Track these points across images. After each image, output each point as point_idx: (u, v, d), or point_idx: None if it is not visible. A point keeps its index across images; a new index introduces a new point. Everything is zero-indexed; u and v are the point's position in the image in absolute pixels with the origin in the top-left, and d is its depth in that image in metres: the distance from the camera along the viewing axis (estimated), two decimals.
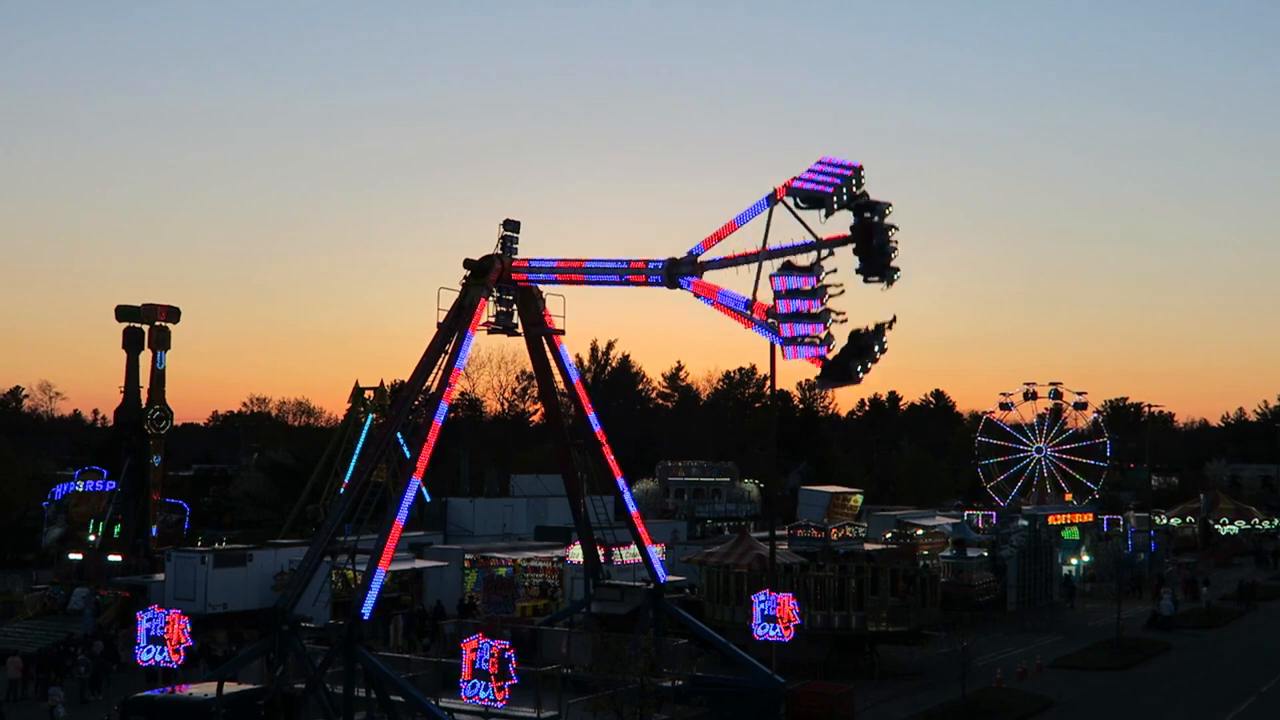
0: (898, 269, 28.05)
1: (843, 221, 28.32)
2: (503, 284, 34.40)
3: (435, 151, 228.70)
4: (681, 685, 35.09)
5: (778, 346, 28.38)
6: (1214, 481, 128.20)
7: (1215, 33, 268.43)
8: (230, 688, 31.22)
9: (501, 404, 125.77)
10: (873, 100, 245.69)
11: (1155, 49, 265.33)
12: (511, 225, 34.63)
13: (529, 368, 54.50)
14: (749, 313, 28.98)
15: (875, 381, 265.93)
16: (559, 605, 51.82)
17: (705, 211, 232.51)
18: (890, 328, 28.05)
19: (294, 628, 31.46)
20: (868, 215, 27.73)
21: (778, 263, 28.12)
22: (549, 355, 36.69)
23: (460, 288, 33.94)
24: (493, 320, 35.00)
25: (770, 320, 27.37)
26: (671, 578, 40.76)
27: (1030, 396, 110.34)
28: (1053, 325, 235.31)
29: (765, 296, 28.16)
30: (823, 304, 26.63)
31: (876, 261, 27.80)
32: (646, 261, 30.69)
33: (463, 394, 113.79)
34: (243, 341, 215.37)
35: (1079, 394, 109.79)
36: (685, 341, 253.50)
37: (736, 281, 29.40)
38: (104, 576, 54.46)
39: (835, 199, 27.17)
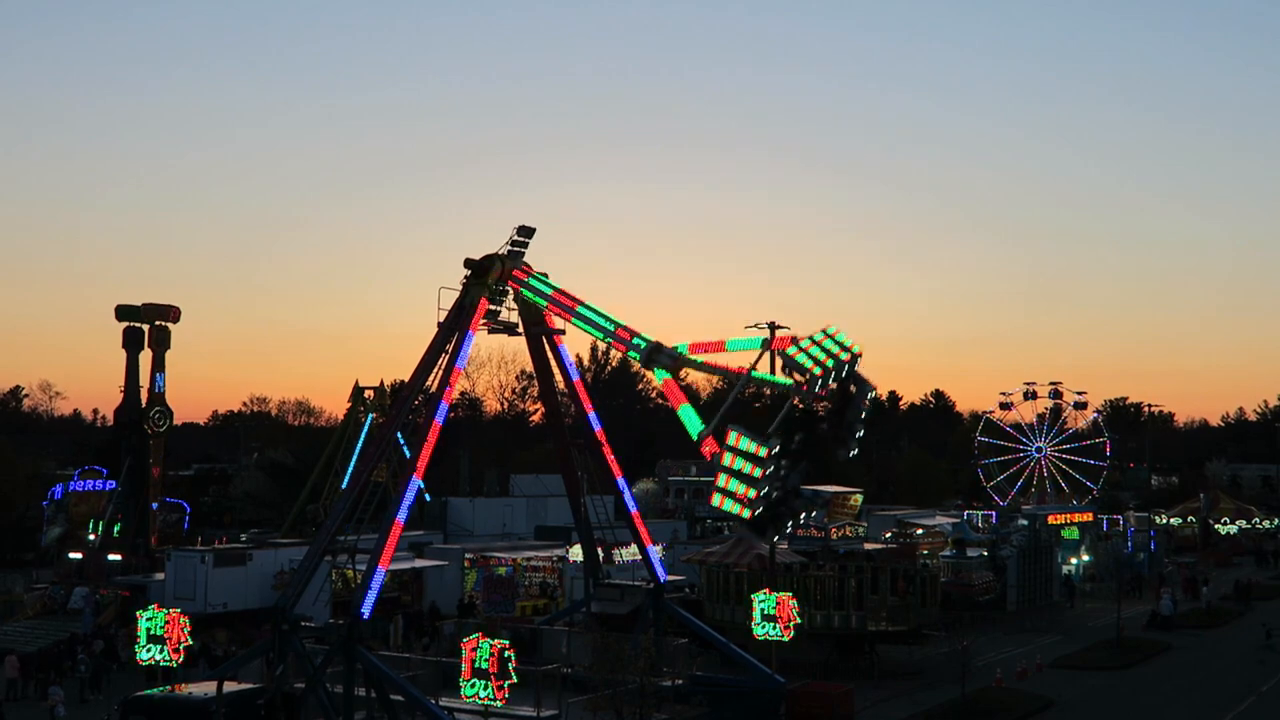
0: (857, 447, 29.06)
1: None
2: (502, 284, 34.34)
3: (435, 151, 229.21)
4: (681, 685, 35.08)
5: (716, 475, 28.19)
6: (1214, 481, 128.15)
7: (1215, 33, 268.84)
8: (230, 687, 31.24)
9: (501, 404, 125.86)
10: (873, 100, 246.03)
11: (1155, 49, 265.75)
12: (525, 231, 34.42)
13: (529, 367, 54.51)
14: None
15: (875, 381, 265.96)
16: (559, 605, 51.83)
17: (705, 211, 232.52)
18: (815, 509, 28.63)
19: (294, 627, 31.48)
20: (852, 388, 28.24)
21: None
22: (549, 355, 36.70)
23: (461, 287, 33.94)
24: (493, 320, 34.98)
25: (712, 463, 27.67)
26: (671, 577, 40.75)
27: (1030, 396, 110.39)
28: (1053, 325, 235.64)
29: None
30: (765, 474, 26.81)
31: (841, 432, 28.54)
32: (632, 334, 31.14)
33: (463, 394, 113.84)
34: (243, 341, 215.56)
35: (1079, 394, 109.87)
36: (685, 341, 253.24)
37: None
38: (104, 576, 54.45)
39: (823, 381, 27.60)
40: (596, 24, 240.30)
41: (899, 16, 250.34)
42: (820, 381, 27.25)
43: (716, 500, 27.15)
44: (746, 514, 26.89)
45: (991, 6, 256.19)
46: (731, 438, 26.66)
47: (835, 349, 27.51)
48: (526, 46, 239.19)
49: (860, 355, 28.11)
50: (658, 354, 30.02)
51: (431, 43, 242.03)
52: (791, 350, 27.33)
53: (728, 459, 26.71)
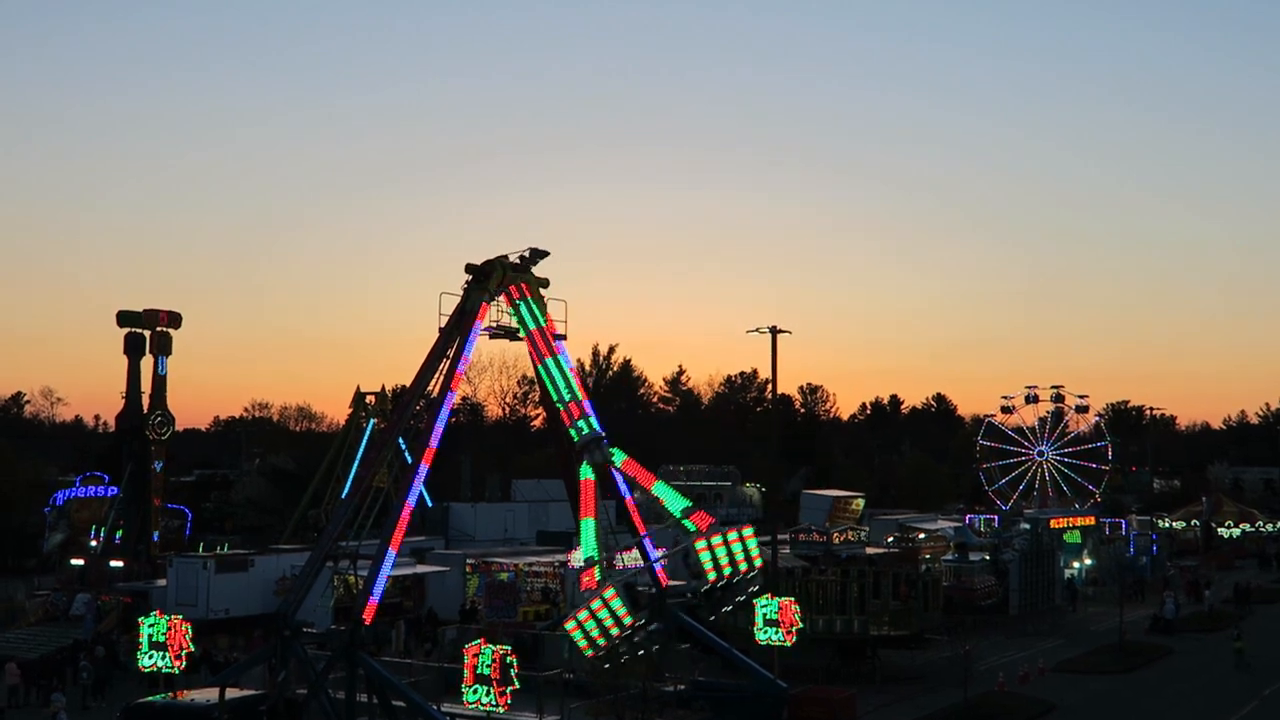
0: (719, 617, 31.67)
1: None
2: (501, 291, 34.35)
3: (435, 151, 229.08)
4: (684, 690, 35.06)
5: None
6: (1216, 484, 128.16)
7: (1215, 33, 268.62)
8: (232, 693, 31.20)
9: (503, 409, 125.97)
10: (873, 100, 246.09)
11: (1155, 49, 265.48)
12: (537, 253, 34.49)
13: (530, 372, 54.51)
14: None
15: (877, 385, 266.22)
16: (561, 610, 51.78)
17: (705, 212, 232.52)
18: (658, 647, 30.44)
19: (296, 633, 31.47)
20: (736, 582, 29.80)
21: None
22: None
23: (462, 292, 33.93)
24: (494, 324, 34.99)
25: (584, 595, 29.06)
26: (674, 582, 40.67)
27: (1031, 400, 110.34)
28: (1053, 327, 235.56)
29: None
30: (619, 635, 28.27)
31: (711, 604, 30.46)
32: (584, 411, 32.14)
33: (464, 398, 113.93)
34: (244, 346, 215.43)
35: (1080, 397, 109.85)
36: (686, 346, 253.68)
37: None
38: (106, 582, 54.45)
39: (733, 580, 29.32)
40: (596, 24, 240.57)
41: (899, 16, 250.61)
42: (726, 582, 29.23)
43: (570, 625, 28.79)
44: (590, 653, 28.53)
45: (991, 6, 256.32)
46: (609, 593, 28.16)
47: (740, 556, 29.21)
48: (526, 46, 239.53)
49: (761, 569, 30.26)
50: (595, 447, 30.64)
51: (431, 43, 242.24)
52: (700, 545, 28.88)
53: (601, 611, 28.18)
